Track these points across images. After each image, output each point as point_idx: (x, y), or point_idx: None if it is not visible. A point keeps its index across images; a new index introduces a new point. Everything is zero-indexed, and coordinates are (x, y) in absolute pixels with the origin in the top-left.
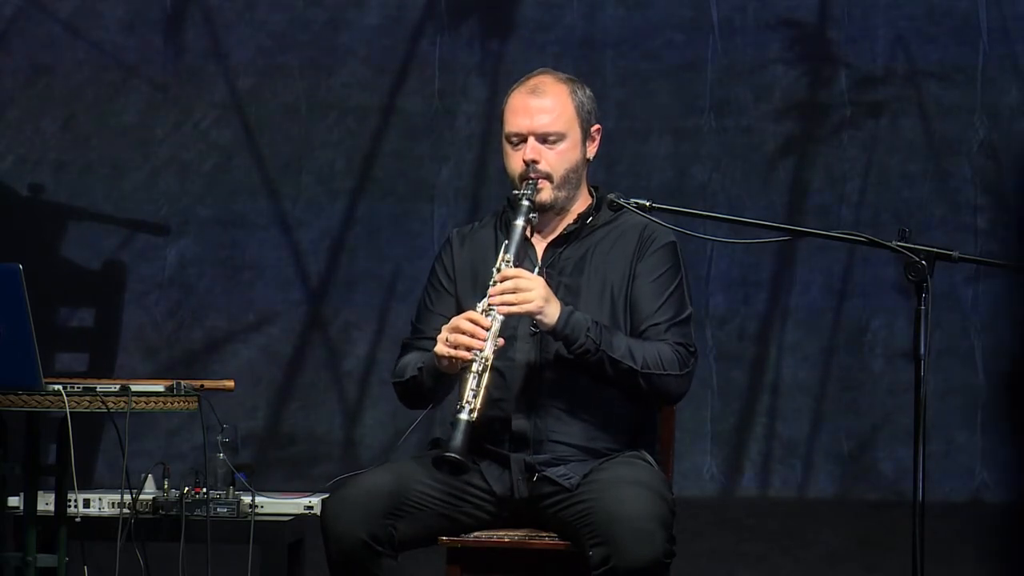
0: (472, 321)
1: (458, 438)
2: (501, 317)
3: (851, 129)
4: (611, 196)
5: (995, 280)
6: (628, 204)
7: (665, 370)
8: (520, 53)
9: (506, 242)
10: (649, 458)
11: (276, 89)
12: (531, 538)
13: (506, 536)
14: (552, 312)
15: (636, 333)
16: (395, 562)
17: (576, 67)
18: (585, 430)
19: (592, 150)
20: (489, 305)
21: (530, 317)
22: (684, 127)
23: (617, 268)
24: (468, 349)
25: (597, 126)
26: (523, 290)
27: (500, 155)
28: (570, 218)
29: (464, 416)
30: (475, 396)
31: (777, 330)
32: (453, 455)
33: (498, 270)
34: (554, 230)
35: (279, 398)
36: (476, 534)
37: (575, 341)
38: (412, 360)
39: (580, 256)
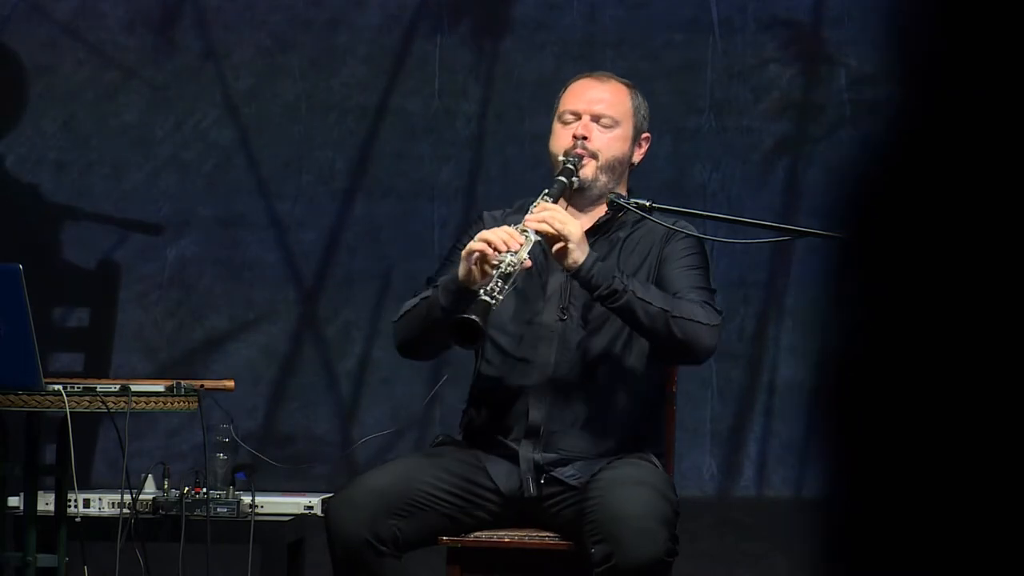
0: (506, 232)
1: (478, 309)
2: (535, 238)
3: (850, 128)
4: (611, 196)
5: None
6: (628, 204)
7: (696, 318)
8: (520, 53)
9: (545, 190)
10: (654, 459)
11: (276, 89)
12: (531, 538)
13: (506, 536)
14: (585, 249)
15: None
16: (399, 562)
17: (576, 67)
18: (597, 427)
19: (639, 155)
20: (524, 228)
21: (559, 257)
22: (684, 127)
23: (644, 261)
24: (500, 251)
25: (647, 135)
26: (562, 221)
27: (500, 155)
28: (603, 210)
29: (487, 298)
30: (501, 290)
31: (776, 330)
32: (471, 316)
33: (536, 205)
34: (588, 221)
35: (279, 398)
36: (476, 534)
37: (601, 283)
38: (424, 292)
39: (609, 250)
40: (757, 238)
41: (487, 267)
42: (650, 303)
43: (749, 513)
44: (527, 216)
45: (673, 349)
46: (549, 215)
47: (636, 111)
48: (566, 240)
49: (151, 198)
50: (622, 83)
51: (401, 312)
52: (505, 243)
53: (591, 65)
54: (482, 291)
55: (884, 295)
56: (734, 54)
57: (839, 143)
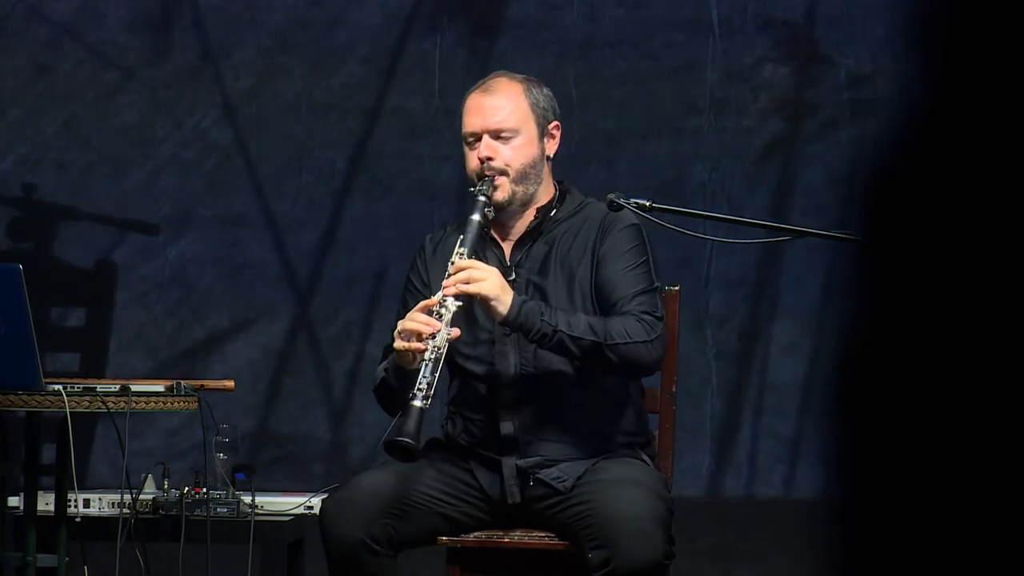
0: (425, 309)
1: (410, 424)
2: (455, 306)
3: (851, 128)
4: (611, 196)
5: None
6: (628, 204)
7: (631, 339)
8: (520, 53)
9: (461, 237)
10: (645, 457)
11: (276, 89)
12: (531, 538)
13: (506, 536)
14: (506, 301)
15: (606, 312)
16: (394, 562)
17: (576, 67)
18: (573, 429)
19: (552, 147)
20: (443, 296)
21: (486, 310)
22: (684, 127)
23: (581, 260)
24: (420, 339)
25: (555, 123)
26: (476, 279)
27: None
28: (532, 215)
29: (417, 403)
30: (429, 384)
31: (777, 329)
32: (405, 440)
33: (452, 263)
34: (519, 229)
35: (279, 398)
36: (476, 534)
37: (531, 328)
38: (383, 364)
39: (545, 254)
40: (757, 238)
41: (418, 349)
42: (581, 338)
43: (748, 512)
44: (445, 282)
45: (614, 372)
46: (465, 275)
47: (534, 107)
48: (485, 300)
49: (151, 198)
50: (514, 82)
51: (373, 383)
52: (422, 331)
53: (591, 65)
54: (410, 395)
55: (902, 293)
56: (734, 54)
57: (838, 142)
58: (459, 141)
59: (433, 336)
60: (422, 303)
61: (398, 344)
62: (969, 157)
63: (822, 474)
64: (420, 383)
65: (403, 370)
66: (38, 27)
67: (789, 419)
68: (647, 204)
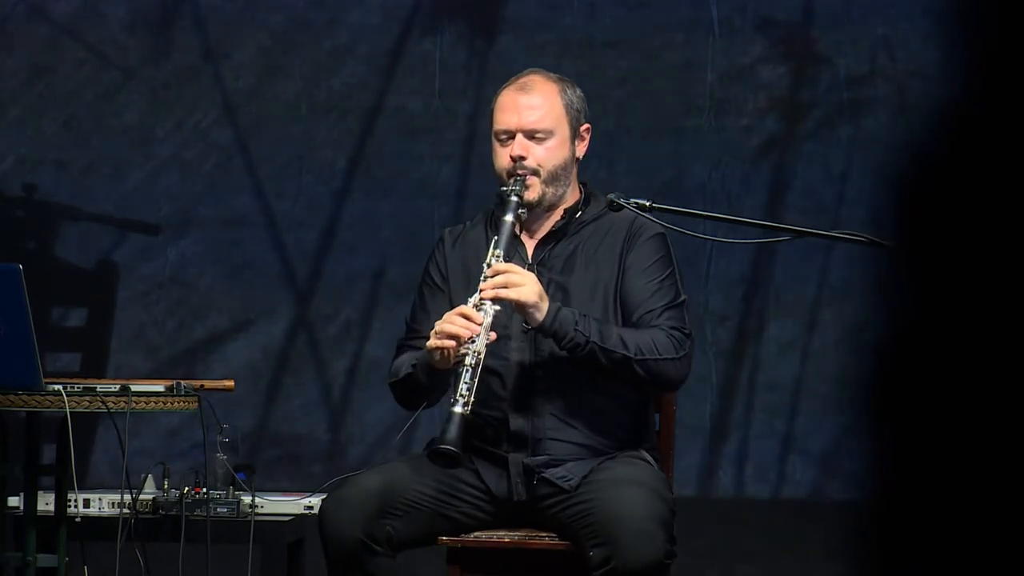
0: (463, 315)
1: (452, 431)
2: (493, 310)
3: (851, 128)
4: (611, 196)
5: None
6: (628, 204)
7: (661, 355)
8: (520, 52)
9: (496, 238)
10: (648, 457)
11: (276, 89)
12: (531, 538)
13: (506, 536)
14: (543, 308)
15: (630, 323)
16: (393, 562)
17: (576, 67)
18: (583, 429)
19: (582, 149)
20: (481, 299)
21: (521, 314)
22: (684, 127)
23: (607, 264)
24: (459, 342)
25: (587, 125)
26: (515, 284)
27: None
28: (558, 215)
29: (458, 409)
30: (468, 389)
31: (776, 328)
32: (448, 447)
33: (488, 265)
34: (543, 228)
35: (278, 398)
36: (476, 534)
37: (564, 336)
38: (407, 359)
39: (570, 253)
40: (756, 237)
41: (452, 348)
42: (613, 351)
43: (748, 510)
44: (482, 284)
45: (640, 387)
46: (503, 279)
47: (569, 109)
48: (523, 306)
49: (151, 198)
50: (550, 82)
51: (392, 377)
52: (462, 335)
53: (591, 65)
54: (452, 400)
55: (938, 294)
56: (733, 54)
57: (837, 142)
58: (459, 141)
59: (473, 340)
60: (460, 308)
61: (432, 342)
62: (1007, 153)
63: (844, 475)
64: (461, 389)
65: (434, 369)
66: (38, 27)
67: (788, 417)
68: (647, 204)
